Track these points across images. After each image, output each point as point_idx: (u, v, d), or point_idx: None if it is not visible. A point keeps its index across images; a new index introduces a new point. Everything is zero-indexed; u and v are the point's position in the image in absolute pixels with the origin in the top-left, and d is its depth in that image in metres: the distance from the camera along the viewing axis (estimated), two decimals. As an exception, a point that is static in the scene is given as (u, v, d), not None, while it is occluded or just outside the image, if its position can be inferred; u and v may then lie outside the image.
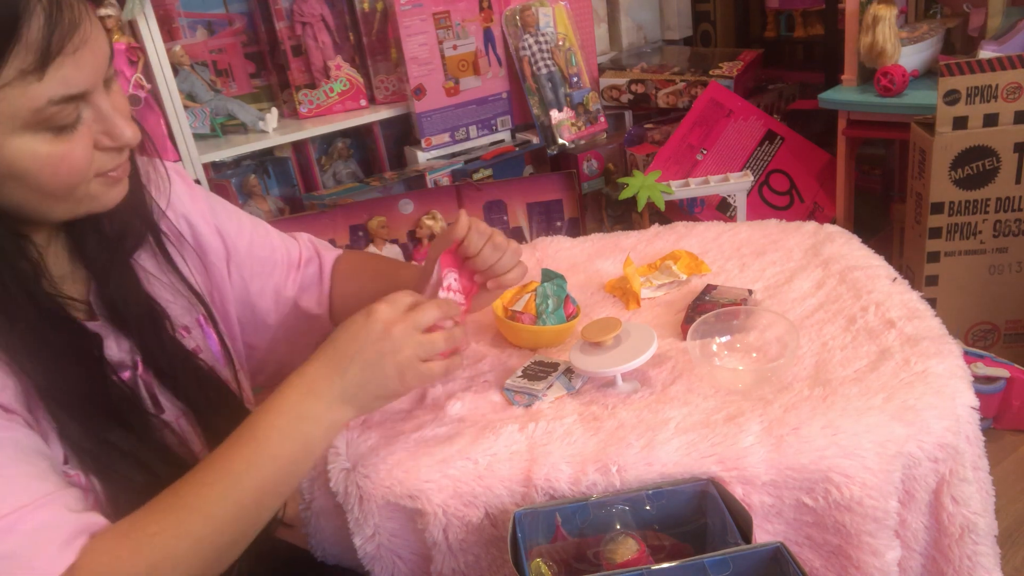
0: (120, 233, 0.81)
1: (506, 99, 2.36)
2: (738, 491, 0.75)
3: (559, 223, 2.29)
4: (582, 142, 2.38)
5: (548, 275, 1.00)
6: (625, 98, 2.52)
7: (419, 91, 2.19)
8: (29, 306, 0.69)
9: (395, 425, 0.87)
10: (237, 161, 2.17)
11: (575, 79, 2.36)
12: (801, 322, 0.96)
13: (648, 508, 0.75)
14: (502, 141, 2.38)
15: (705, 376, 0.88)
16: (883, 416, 0.77)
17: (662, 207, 2.01)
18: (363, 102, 2.22)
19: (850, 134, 2.07)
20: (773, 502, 0.76)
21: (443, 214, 2.18)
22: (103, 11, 1.73)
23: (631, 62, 2.60)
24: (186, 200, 0.92)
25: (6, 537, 0.63)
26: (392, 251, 2.16)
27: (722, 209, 2.23)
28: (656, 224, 1.28)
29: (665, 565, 0.67)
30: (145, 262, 0.85)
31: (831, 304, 0.99)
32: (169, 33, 2.03)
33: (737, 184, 2.05)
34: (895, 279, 1.02)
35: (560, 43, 2.33)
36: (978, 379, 1.72)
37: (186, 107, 1.96)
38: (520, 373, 0.92)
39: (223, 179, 2.13)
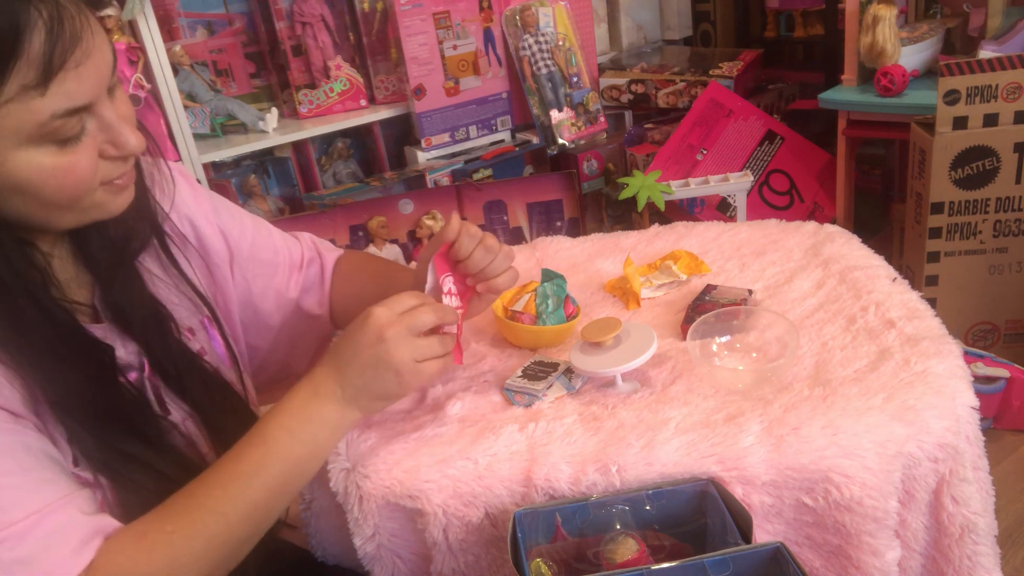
0: (125, 236, 0.81)
1: (506, 99, 2.36)
2: (738, 491, 0.75)
3: (559, 223, 2.29)
4: (582, 142, 2.38)
5: (548, 275, 1.00)
6: (625, 98, 2.52)
7: (419, 91, 2.19)
8: (39, 315, 0.69)
9: (395, 425, 0.87)
10: (237, 161, 2.17)
11: (575, 79, 2.36)
12: (801, 322, 0.96)
13: (648, 508, 0.75)
14: (502, 141, 2.38)
15: (705, 376, 0.88)
16: (883, 416, 0.77)
17: (662, 207, 2.01)
18: (363, 102, 2.22)
19: (850, 134, 2.07)
20: (773, 502, 0.76)
21: (443, 214, 2.19)
22: (103, 11, 1.73)
23: (631, 62, 2.60)
24: (189, 201, 0.92)
25: (21, 542, 0.64)
26: (392, 251, 2.16)
27: (722, 209, 2.23)
28: (656, 224, 1.28)
29: (665, 565, 0.67)
30: (149, 264, 0.85)
31: (831, 304, 0.99)
32: (169, 33, 2.03)
33: (737, 184, 2.05)
34: (895, 279, 1.02)
35: (560, 43, 2.33)
36: (978, 379, 1.72)
37: (186, 107, 1.96)
38: (520, 373, 0.92)
39: (223, 179, 2.13)
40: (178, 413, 0.83)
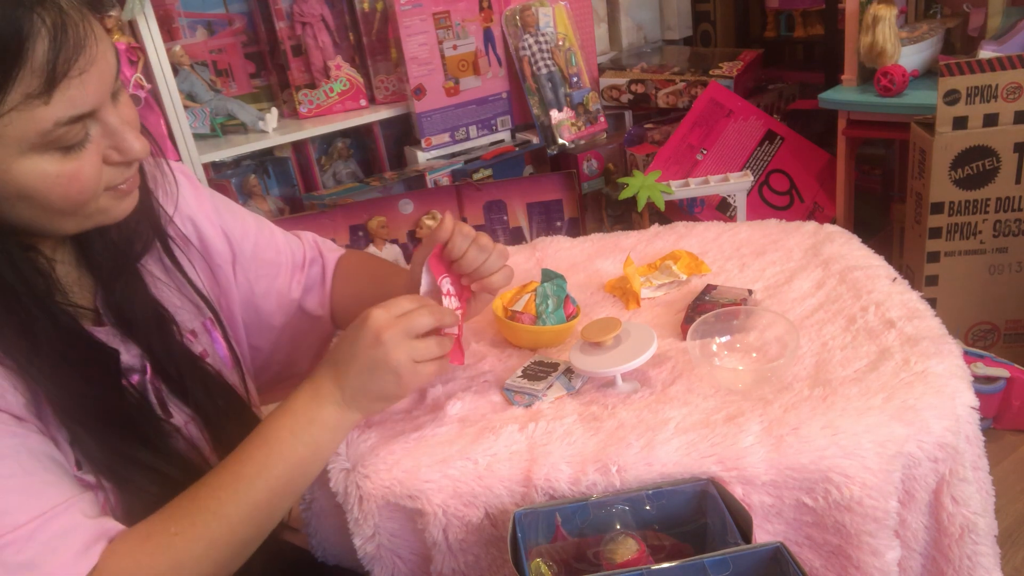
0: (127, 240, 0.81)
1: (506, 99, 2.36)
2: (738, 491, 0.75)
3: (559, 223, 2.29)
4: (582, 142, 2.38)
5: (548, 275, 1.00)
6: (625, 98, 2.52)
7: (419, 91, 2.19)
8: (43, 320, 0.69)
9: (395, 425, 0.87)
10: (237, 161, 2.17)
11: (575, 79, 2.36)
12: (801, 322, 0.96)
13: (648, 508, 0.75)
14: (502, 141, 2.38)
15: (705, 376, 0.88)
16: (883, 416, 0.77)
17: (662, 207, 2.01)
18: (363, 102, 2.22)
19: (850, 134, 2.07)
20: (773, 502, 0.76)
21: (443, 214, 2.18)
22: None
23: (631, 62, 2.60)
24: (192, 202, 0.91)
25: (25, 546, 0.64)
26: (392, 251, 2.16)
27: (722, 209, 2.23)
28: (656, 224, 1.28)
29: (665, 565, 0.67)
30: (152, 266, 0.85)
31: (831, 304, 0.98)
32: (169, 33, 2.03)
33: (737, 184, 2.05)
34: (895, 279, 1.02)
35: (560, 43, 2.33)
36: (978, 379, 1.72)
37: (186, 107, 1.96)
38: (520, 373, 0.92)
39: (223, 179, 2.13)
40: (180, 416, 0.83)
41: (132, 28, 1.81)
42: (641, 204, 2.00)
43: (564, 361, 0.93)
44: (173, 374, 0.82)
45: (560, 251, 1.25)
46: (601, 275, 1.16)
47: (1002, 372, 1.76)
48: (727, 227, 1.24)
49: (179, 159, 1.92)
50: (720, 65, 2.44)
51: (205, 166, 2.00)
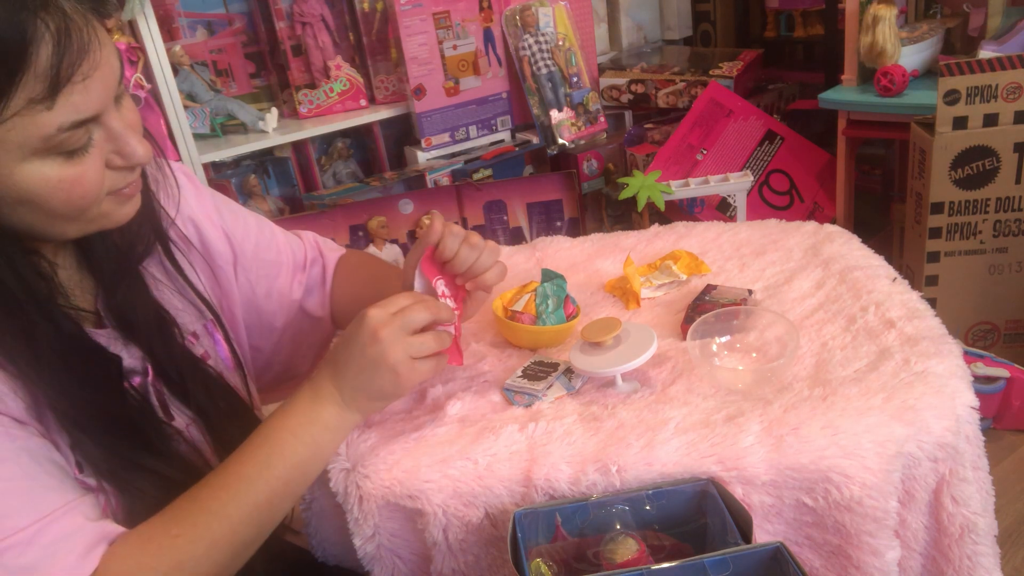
0: (129, 243, 0.80)
1: (506, 99, 2.36)
2: (738, 491, 0.75)
3: (559, 223, 2.29)
4: (582, 142, 2.38)
5: (548, 275, 1.00)
6: (625, 98, 2.52)
7: (419, 91, 2.19)
8: (45, 324, 0.69)
9: (395, 425, 0.87)
10: (237, 161, 2.17)
11: (575, 79, 2.36)
12: (801, 322, 0.96)
13: (648, 508, 0.75)
14: (502, 141, 2.38)
15: (705, 376, 0.88)
16: (883, 416, 0.77)
17: (662, 207, 2.01)
18: (363, 102, 2.22)
19: (850, 134, 2.07)
20: (773, 502, 0.76)
21: (443, 214, 2.19)
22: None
23: (631, 62, 2.60)
24: (193, 203, 0.91)
25: (27, 549, 0.64)
26: (392, 251, 2.16)
27: (722, 209, 2.23)
28: (656, 224, 1.28)
29: (665, 565, 0.67)
30: (153, 269, 0.85)
31: (831, 304, 0.98)
32: (169, 33, 2.03)
33: (737, 184, 2.05)
34: (895, 279, 1.02)
35: (560, 43, 2.33)
36: (978, 379, 1.72)
37: (186, 107, 1.96)
38: (520, 373, 0.92)
39: (223, 179, 2.13)
40: (182, 419, 0.83)
41: (132, 28, 1.81)
42: (641, 204, 2.00)
43: (564, 361, 0.93)
44: (174, 377, 0.82)
45: (560, 251, 1.25)
46: (601, 275, 1.16)
47: (1002, 372, 1.76)
48: (727, 227, 1.24)
49: (179, 159, 1.92)
50: (720, 65, 2.44)
51: (205, 166, 2.00)
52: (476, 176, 2.26)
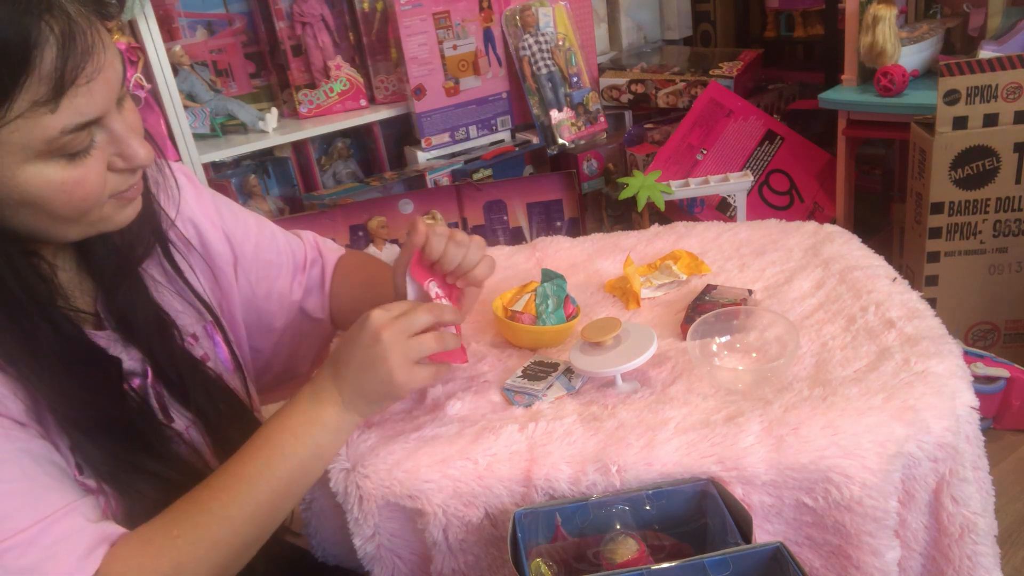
0: (129, 244, 0.80)
1: (506, 99, 2.36)
2: (738, 491, 0.75)
3: (559, 223, 2.29)
4: (582, 142, 2.38)
5: (548, 275, 1.00)
6: (625, 98, 2.52)
7: (419, 91, 2.19)
8: (45, 326, 0.69)
9: (395, 425, 0.87)
10: (237, 161, 2.17)
11: (575, 79, 2.36)
12: (801, 322, 0.96)
13: (648, 508, 0.75)
14: (502, 141, 2.38)
15: (705, 376, 0.88)
16: (883, 416, 0.77)
17: (662, 207, 2.01)
18: (363, 102, 2.22)
19: (850, 134, 2.07)
20: (773, 502, 0.76)
21: (443, 214, 2.19)
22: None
23: (631, 62, 2.60)
24: (193, 204, 0.91)
25: (28, 550, 0.64)
26: (392, 251, 2.16)
27: (722, 209, 2.23)
28: (656, 224, 1.28)
29: (665, 565, 0.67)
30: (152, 271, 0.85)
31: (831, 304, 0.98)
32: (169, 33, 2.03)
33: (737, 184, 2.05)
34: (895, 279, 1.02)
35: (560, 43, 2.33)
36: (978, 379, 1.72)
37: (186, 107, 1.96)
38: (520, 373, 0.92)
39: (223, 179, 2.13)
40: (181, 421, 0.83)
41: (132, 28, 1.81)
42: (641, 204, 2.00)
43: (564, 361, 0.93)
44: (174, 378, 0.82)
45: (560, 251, 1.25)
46: (601, 275, 1.16)
47: (1002, 372, 1.76)
48: (727, 227, 1.24)
49: (179, 159, 1.92)
50: (720, 65, 2.44)
51: (205, 166, 2.00)
52: (476, 176, 2.26)
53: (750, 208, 2.16)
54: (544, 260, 1.22)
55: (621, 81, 2.50)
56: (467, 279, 0.89)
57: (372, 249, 2.14)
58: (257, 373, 1.02)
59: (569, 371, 0.92)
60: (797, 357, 0.89)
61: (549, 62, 2.31)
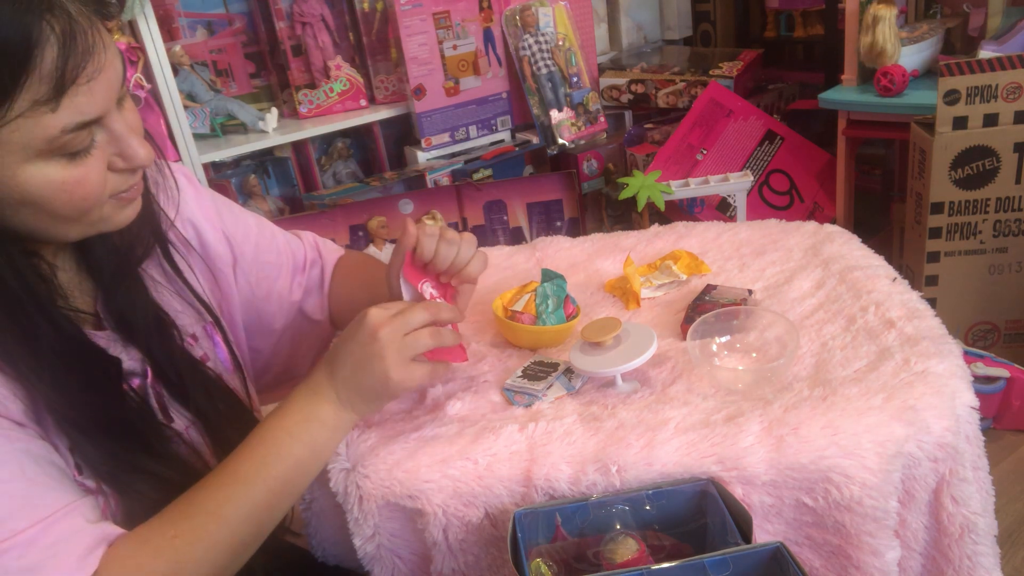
0: (129, 244, 0.80)
1: (506, 99, 2.36)
2: (738, 491, 0.75)
3: (559, 223, 2.29)
4: (582, 142, 2.38)
5: (548, 275, 1.00)
6: (625, 98, 2.52)
7: (419, 91, 2.19)
8: (45, 326, 0.69)
9: (395, 425, 0.87)
10: (237, 161, 2.17)
11: (575, 79, 2.36)
12: (801, 322, 0.96)
13: (648, 508, 0.75)
14: (502, 141, 2.38)
15: (705, 376, 0.88)
16: (883, 416, 0.77)
17: (662, 207, 2.01)
18: (363, 102, 2.22)
19: (850, 134, 2.07)
20: (773, 502, 0.76)
21: (443, 214, 2.19)
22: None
23: (631, 62, 2.60)
24: (193, 205, 0.91)
25: (27, 551, 0.64)
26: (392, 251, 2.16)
27: (722, 209, 2.23)
28: (656, 224, 1.28)
29: (665, 565, 0.67)
30: (152, 271, 0.85)
31: (831, 304, 0.98)
32: (169, 33, 2.03)
33: (737, 184, 2.05)
34: (895, 279, 1.02)
35: (560, 43, 2.33)
36: (978, 379, 1.72)
37: (186, 107, 1.96)
38: (520, 373, 0.92)
39: (223, 179, 2.13)
40: (181, 421, 0.83)
41: (132, 28, 1.81)
42: (641, 204, 2.00)
43: (564, 361, 0.93)
44: (174, 378, 0.82)
45: (560, 251, 1.25)
46: (601, 275, 1.16)
47: (1002, 372, 1.76)
48: (727, 227, 1.24)
49: (179, 159, 1.92)
50: (720, 65, 2.44)
51: (205, 166, 2.00)
52: (476, 176, 2.26)
53: (750, 208, 2.16)
54: (544, 260, 1.22)
55: (621, 81, 2.50)
56: (461, 277, 0.89)
57: (372, 249, 2.14)
58: (257, 374, 1.02)
59: (569, 371, 0.92)
60: (797, 357, 0.89)
61: (549, 62, 2.31)
